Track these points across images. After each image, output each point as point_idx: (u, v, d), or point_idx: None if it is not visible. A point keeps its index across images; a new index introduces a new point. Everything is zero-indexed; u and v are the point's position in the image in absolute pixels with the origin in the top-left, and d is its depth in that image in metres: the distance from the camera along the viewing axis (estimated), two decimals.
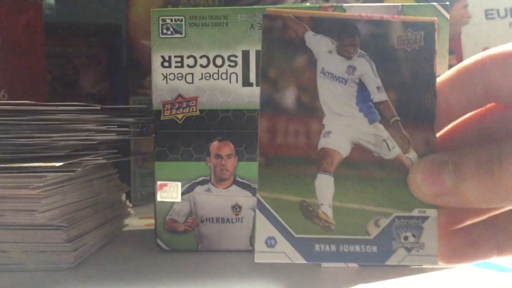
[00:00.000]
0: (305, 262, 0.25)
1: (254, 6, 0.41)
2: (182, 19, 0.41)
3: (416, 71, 0.26)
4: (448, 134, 0.27)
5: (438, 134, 0.26)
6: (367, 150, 0.26)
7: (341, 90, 0.26)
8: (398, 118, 0.26)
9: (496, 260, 0.41)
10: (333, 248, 0.25)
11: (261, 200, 0.25)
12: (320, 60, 0.26)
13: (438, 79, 0.26)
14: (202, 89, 0.41)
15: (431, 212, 0.25)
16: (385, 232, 0.25)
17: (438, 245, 0.25)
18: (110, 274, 0.38)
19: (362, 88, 0.26)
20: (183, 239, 0.43)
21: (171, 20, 0.41)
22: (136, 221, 0.56)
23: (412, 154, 0.25)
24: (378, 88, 0.26)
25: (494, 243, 0.26)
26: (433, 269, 0.40)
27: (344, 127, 0.26)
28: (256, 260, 0.25)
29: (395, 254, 0.25)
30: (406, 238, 0.25)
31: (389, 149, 0.26)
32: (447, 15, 0.39)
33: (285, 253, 0.25)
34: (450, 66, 0.41)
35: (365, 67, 0.26)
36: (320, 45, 0.26)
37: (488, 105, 0.26)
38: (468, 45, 0.47)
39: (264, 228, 0.25)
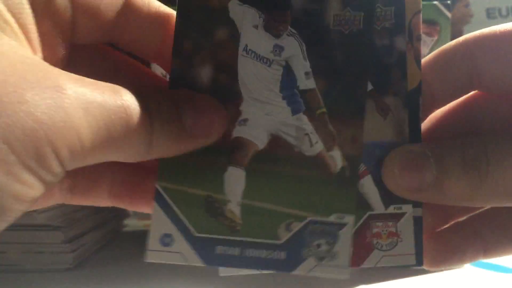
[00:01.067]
0: (203, 265, 0.22)
1: None
2: None
3: (350, 58, 0.22)
4: (430, 122, 0.25)
5: (422, 123, 0.24)
6: (286, 143, 0.23)
7: (265, 72, 0.22)
8: (325, 110, 0.23)
9: (496, 260, 0.41)
10: (237, 251, 0.22)
11: (160, 190, 0.22)
12: (244, 36, 0.22)
13: (422, 61, 0.23)
14: None
15: (348, 220, 0.22)
16: (296, 238, 0.22)
17: (425, 248, 0.23)
18: (109, 275, 0.37)
19: (288, 73, 0.22)
20: None
21: None
22: (135, 222, 0.56)
23: (336, 152, 0.23)
24: (306, 74, 0.22)
25: (480, 244, 0.24)
26: (433, 270, 0.40)
27: (263, 115, 0.23)
28: (147, 260, 0.22)
29: (305, 262, 0.22)
30: (319, 245, 0.22)
31: (311, 145, 0.23)
32: (449, 14, 0.39)
33: (182, 253, 0.22)
34: None
35: (294, 48, 0.22)
36: (245, 17, 0.22)
37: (472, 93, 0.24)
38: None
39: (161, 224, 0.22)
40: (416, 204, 0.23)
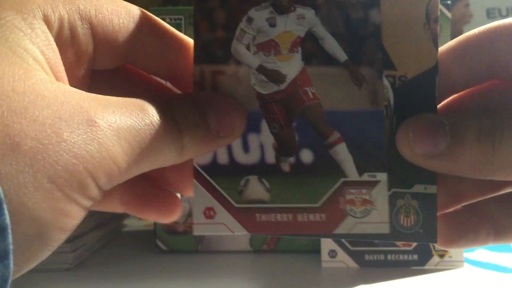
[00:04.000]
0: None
1: None
2: (181, 18, 0.40)
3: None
4: (447, 107, 0.25)
5: (438, 107, 0.24)
6: None
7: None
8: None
9: (496, 260, 0.41)
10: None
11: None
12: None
13: (441, 49, 0.24)
14: None
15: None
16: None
17: (438, 227, 0.23)
18: (109, 275, 0.37)
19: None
20: (183, 239, 0.43)
21: (171, 19, 0.40)
22: (135, 222, 0.56)
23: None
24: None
25: (491, 227, 0.24)
26: (434, 270, 0.40)
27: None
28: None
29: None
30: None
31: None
32: (449, 14, 0.39)
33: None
34: None
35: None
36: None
37: (491, 81, 0.24)
38: None
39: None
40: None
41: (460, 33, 0.47)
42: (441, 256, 0.40)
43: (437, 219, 0.24)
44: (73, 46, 0.22)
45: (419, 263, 0.40)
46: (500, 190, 0.25)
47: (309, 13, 0.24)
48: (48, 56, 0.21)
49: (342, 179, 0.23)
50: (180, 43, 0.25)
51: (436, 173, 0.23)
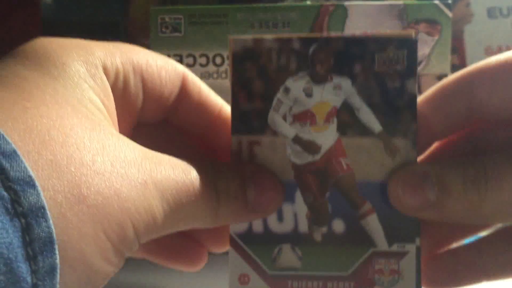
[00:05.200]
0: None
1: (254, 5, 0.40)
2: (181, 17, 0.40)
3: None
4: (431, 154, 0.25)
5: (423, 155, 0.25)
6: None
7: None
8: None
9: None
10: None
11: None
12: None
13: (418, 100, 0.24)
14: None
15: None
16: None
17: (423, 269, 0.24)
18: None
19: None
20: None
21: (170, 18, 0.40)
22: None
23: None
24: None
25: (482, 268, 0.25)
26: None
27: None
28: None
29: None
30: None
31: None
32: (450, 14, 0.39)
33: None
34: (453, 66, 0.41)
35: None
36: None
37: (471, 125, 0.25)
38: (471, 44, 0.47)
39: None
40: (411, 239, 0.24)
41: (462, 32, 0.47)
42: None
43: (427, 261, 0.25)
44: (124, 97, 0.23)
45: None
46: (486, 228, 0.25)
47: (346, 83, 0.24)
48: (107, 105, 0.22)
49: (372, 249, 0.24)
50: (215, 107, 0.26)
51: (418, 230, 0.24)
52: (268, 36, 0.24)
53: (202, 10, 0.40)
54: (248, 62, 0.24)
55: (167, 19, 0.40)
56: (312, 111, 0.24)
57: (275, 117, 0.24)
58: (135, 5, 0.55)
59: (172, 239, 0.25)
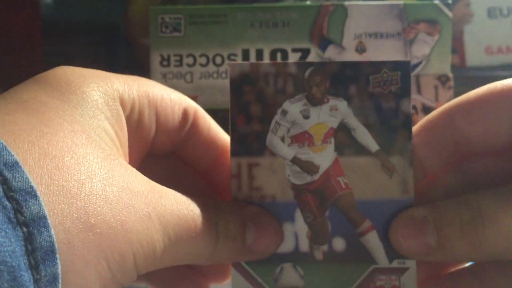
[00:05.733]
0: None
1: (254, 5, 0.40)
2: (181, 17, 0.40)
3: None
4: (425, 186, 0.26)
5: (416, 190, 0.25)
6: None
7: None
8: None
9: None
10: None
11: None
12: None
13: None
14: (201, 88, 0.40)
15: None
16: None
17: None
18: None
19: None
20: None
21: (170, 18, 0.40)
22: None
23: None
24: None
25: None
26: None
27: None
28: None
29: None
30: None
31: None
32: (450, 14, 0.39)
33: None
34: (453, 66, 0.41)
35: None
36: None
37: (459, 157, 0.25)
38: (471, 44, 0.47)
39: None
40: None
41: (462, 32, 0.47)
42: None
43: (425, 284, 0.25)
44: (138, 129, 0.24)
45: None
46: None
47: (341, 104, 0.24)
48: (120, 137, 0.22)
49: (373, 266, 0.24)
50: (221, 143, 0.26)
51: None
52: (265, 61, 0.24)
53: (202, 10, 0.40)
54: (246, 86, 0.24)
55: (167, 19, 0.40)
56: (310, 132, 0.24)
57: (273, 139, 0.24)
58: (135, 5, 0.55)
59: (176, 269, 0.26)
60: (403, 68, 0.24)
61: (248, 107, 0.24)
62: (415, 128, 0.25)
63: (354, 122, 0.24)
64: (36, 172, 0.18)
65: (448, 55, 0.39)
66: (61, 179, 0.18)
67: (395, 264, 0.24)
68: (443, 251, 0.23)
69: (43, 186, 0.18)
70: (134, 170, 0.21)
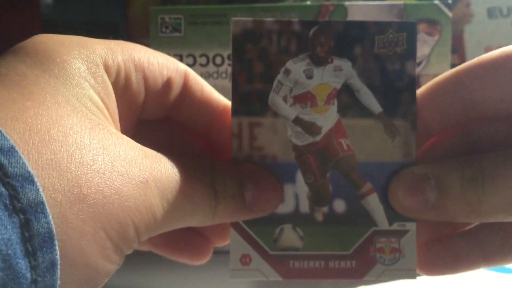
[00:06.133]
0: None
1: (254, 5, 0.40)
2: (181, 17, 0.40)
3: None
4: (426, 150, 0.25)
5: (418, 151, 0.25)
6: None
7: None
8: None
9: None
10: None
11: None
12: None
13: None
14: None
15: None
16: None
17: (419, 255, 0.24)
18: None
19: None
20: None
21: (170, 18, 0.40)
22: None
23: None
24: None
25: (480, 253, 0.25)
26: None
27: None
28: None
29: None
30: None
31: None
32: (450, 14, 0.39)
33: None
34: (453, 66, 0.41)
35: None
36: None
37: (467, 121, 0.25)
38: (471, 44, 0.47)
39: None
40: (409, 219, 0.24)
41: (462, 32, 0.47)
42: None
43: (425, 247, 0.25)
44: (126, 95, 0.23)
45: None
46: None
47: (346, 65, 0.24)
48: (107, 104, 0.22)
49: (373, 228, 0.24)
50: (218, 104, 0.26)
51: None
52: (269, 18, 0.24)
53: (202, 10, 0.40)
54: (249, 44, 0.24)
55: (167, 19, 0.40)
56: (313, 93, 0.24)
57: (275, 99, 0.24)
58: (135, 5, 0.55)
59: (178, 232, 0.26)
60: (410, 29, 0.24)
61: (250, 65, 0.24)
62: (422, 89, 0.24)
63: (358, 83, 0.24)
64: (22, 147, 0.17)
65: (448, 55, 0.39)
66: (49, 153, 0.18)
67: (395, 226, 0.24)
68: (442, 210, 0.23)
69: (31, 161, 0.17)
70: (126, 137, 0.21)
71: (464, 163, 0.23)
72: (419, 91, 0.24)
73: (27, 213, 0.17)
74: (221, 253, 0.41)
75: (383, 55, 0.24)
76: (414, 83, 0.24)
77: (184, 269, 0.35)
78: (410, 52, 0.24)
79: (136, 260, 0.28)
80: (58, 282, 0.17)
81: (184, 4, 0.59)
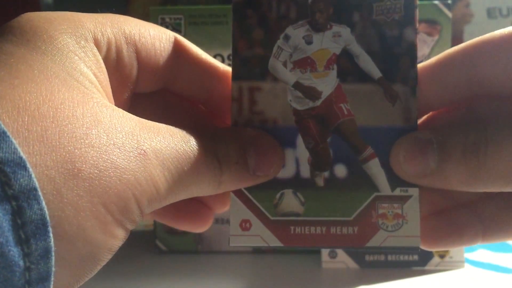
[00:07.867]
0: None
1: None
2: (181, 17, 0.40)
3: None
4: (429, 120, 0.25)
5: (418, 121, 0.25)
6: None
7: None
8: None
9: (496, 260, 0.41)
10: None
11: None
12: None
13: (421, 65, 0.24)
14: None
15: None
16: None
17: (421, 229, 0.24)
18: (108, 275, 0.37)
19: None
20: (182, 240, 0.43)
21: (170, 18, 0.40)
22: None
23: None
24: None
25: (479, 228, 0.25)
26: (435, 271, 0.40)
27: None
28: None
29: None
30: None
31: None
32: (450, 14, 0.39)
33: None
34: None
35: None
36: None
37: (472, 97, 0.24)
38: None
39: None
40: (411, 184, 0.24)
41: (461, 33, 0.47)
42: (442, 256, 0.40)
43: (424, 220, 0.24)
44: (118, 69, 0.23)
45: (419, 263, 0.40)
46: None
47: (345, 31, 0.24)
48: (99, 78, 0.21)
49: (375, 194, 0.24)
50: (216, 69, 0.26)
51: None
52: None
53: (202, 10, 0.40)
54: (249, 10, 0.24)
55: (167, 19, 0.40)
56: (312, 58, 0.24)
57: (275, 64, 0.24)
58: (135, 5, 0.55)
59: (179, 201, 0.26)
60: None
61: (250, 31, 0.24)
62: (428, 62, 0.24)
63: (357, 49, 0.24)
64: (11, 126, 0.17)
65: None
66: (39, 130, 0.17)
67: (398, 192, 0.24)
68: (441, 175, 0.22)
69: (21, 139, 0.17)
70: (120, 110, 0.21)
71: (468, 128, 0.22)
72: (424, 63, 0.24)
73: (19, 199, 0.16)
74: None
75: (381, 22, 0.24)
76: (414, 49, 0.24)
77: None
78: (409, 19, 0.24)
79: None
80: (53, 269, 0.17)
81: (184, 4, 0.59)
